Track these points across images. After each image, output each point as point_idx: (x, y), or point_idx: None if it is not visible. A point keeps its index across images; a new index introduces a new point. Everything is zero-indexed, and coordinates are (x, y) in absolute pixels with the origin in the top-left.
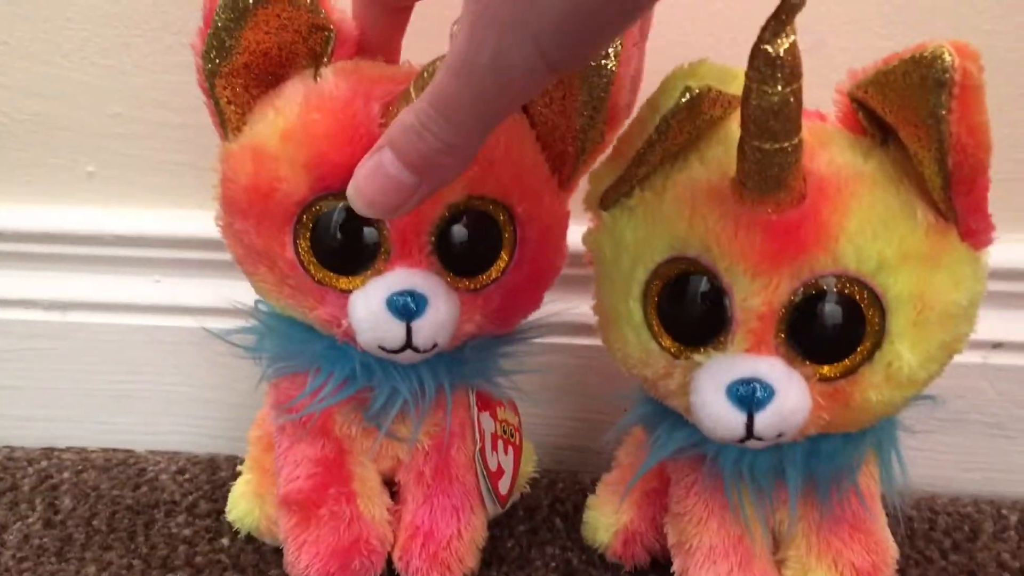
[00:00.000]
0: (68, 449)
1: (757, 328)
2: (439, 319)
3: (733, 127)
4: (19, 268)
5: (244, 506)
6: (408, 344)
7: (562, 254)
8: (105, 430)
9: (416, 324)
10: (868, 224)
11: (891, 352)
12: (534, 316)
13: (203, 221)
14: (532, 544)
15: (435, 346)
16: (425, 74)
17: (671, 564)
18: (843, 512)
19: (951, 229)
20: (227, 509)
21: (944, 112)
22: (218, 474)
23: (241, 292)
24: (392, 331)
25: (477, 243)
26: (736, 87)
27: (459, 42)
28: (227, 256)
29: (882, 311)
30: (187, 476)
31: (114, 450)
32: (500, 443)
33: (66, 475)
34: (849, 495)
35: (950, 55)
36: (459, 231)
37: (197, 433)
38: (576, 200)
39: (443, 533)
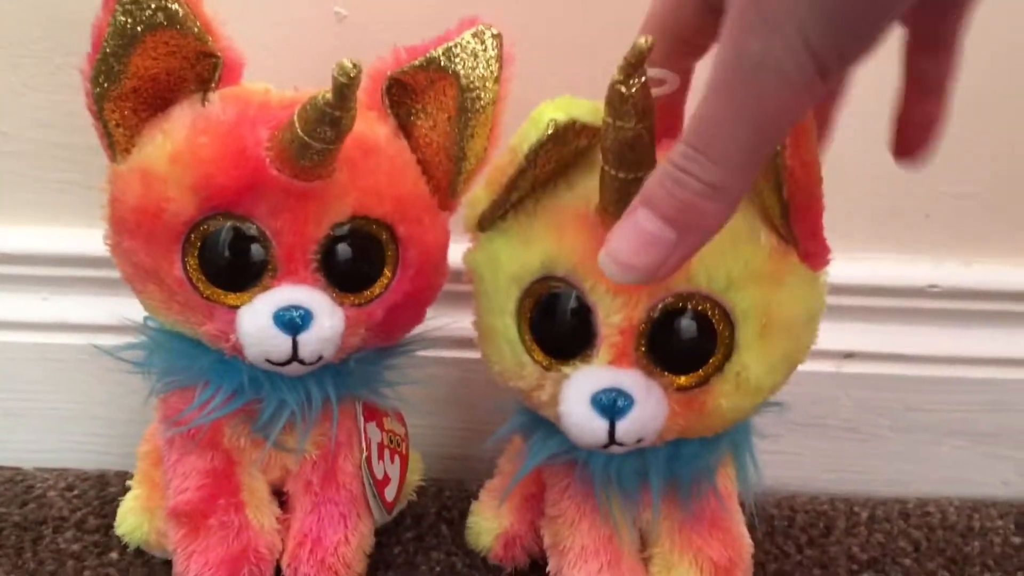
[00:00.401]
0: None
1: (619, 342)
2: (324, 333)
3: (597, 157)
4: None
5: (133, 520)
6: (294, 357)
7: (443, 271)
8: None
9: (302, 338)
10: (718, 247)
11: (739, 363)
12: (418, 330)
13: (90, 239)
14: (418, 550)
15: (321, 359)
16: (308, 105)
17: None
18: (703, 511)
19: (791, 252)
20: (116, 524)
21: (780, 148)
22: (107, 490)
23: (129, 309)
24: (279, 345)
25: (361, 261)
26: (599, 120)
27: (719, 57)
28: (115, 274)
29: (731, 325)
30: (76, 492)
31: (1, 468)
32: (386, 452)
33: None
34: (708, 495)
35: None
36: (344, 249)
37: (86, 450)
38: (457, 220)
39: (330, 540)
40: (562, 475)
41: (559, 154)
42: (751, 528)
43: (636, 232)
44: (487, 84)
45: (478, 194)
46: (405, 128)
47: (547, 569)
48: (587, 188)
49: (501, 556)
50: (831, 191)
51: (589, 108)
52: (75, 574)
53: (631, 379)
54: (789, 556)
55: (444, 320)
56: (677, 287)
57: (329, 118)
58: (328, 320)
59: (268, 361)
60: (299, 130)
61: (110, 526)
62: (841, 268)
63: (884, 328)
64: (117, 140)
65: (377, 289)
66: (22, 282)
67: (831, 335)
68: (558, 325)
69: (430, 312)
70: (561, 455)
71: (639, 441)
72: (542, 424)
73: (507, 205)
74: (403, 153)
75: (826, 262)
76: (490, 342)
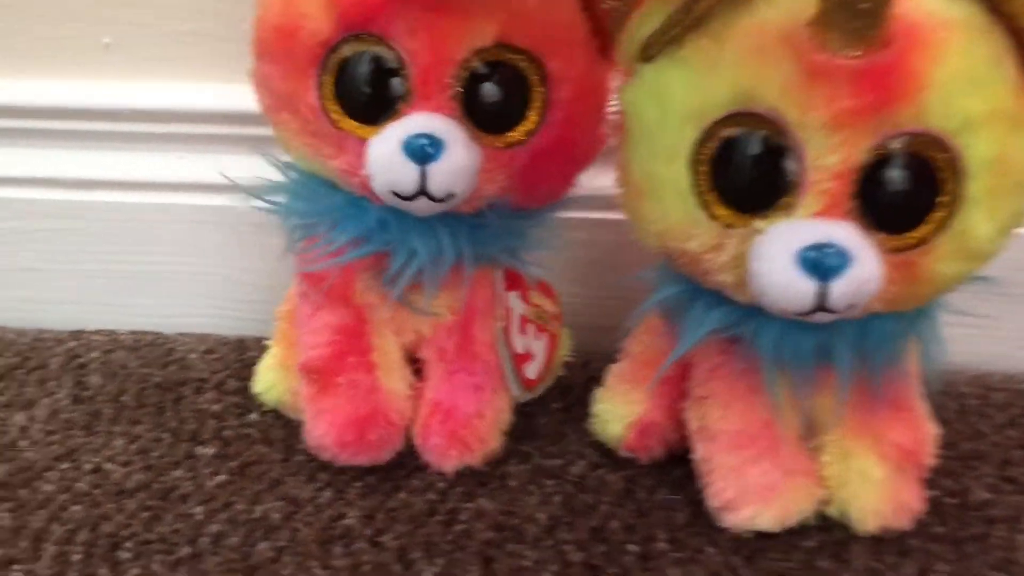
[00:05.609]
0: (98, 332)
1: (832, 189)
2: (455, 165)
3: None
4: (39, 146)
5: (270, 378)
6: (422, 190)
7: (600, 126)
8: (133, 312)
9: (431, 168)
10: (958, 76)
11: (965, 221)
12: None
13: (225, 94)
14: (566, 420)
15: (452, 196)
16: None
17: (687, 457)
18: (886, 392)
19: None
20: (253, 381)
21: None
22: (247, 354)
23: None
24: (406, 174)
25: (504, 97)
26: None
27: None
28: (252, 131)
29: (959, 176)
30: (216, 356)
31: (143, 332)
32: (531, 327)
33: (95, 355)
34: (893, 375)
35: None
36: (485, 84)
37: (226, 316)
38: None
39: (463, 411)
40: (715, 352)
41: None
42: (940, 408)
43: None
44: None
45: (646, 11)
46: None
47: (689, 460)
48: (795, 1)
49: (635, 446)
50: None
51: None
52: (215, 433)
53: (845, 232)
54: (985, 436)
55: (593, 177)
56: (906, 124)
57: None
58: (461, 151)
59: (394, 194)
60: None
61: (249, 388)
62: None
63: None
64: None
65: (520, 133)
66: (155, 140)
67: None
68: (748, 172)
69: None
70: (724, 330)
71: (849, 308)
72: (701, 296)
73: (686, 23)
74: None
75: None
76: (650, 197)
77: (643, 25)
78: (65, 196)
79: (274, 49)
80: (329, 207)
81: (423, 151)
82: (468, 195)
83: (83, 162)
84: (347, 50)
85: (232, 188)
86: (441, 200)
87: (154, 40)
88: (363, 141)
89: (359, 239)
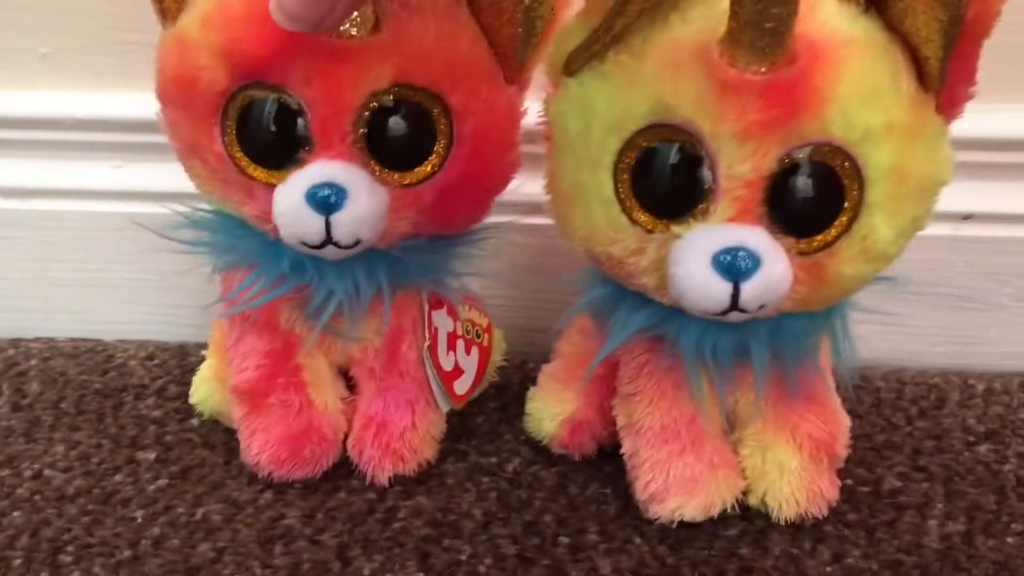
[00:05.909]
0: (36, 339)
1: (743, 196)
2: (359, 214)
3: None
4: None
5: (206, 389)
6: (329, 239)
7: (510, 154)
8: (73, 320)
9: (335, 218)
10: (858, 91)
11: (867, 225)
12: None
13: None
14: (502, 420)
15: (359, 242)
16: None
17: (618, 453)
18: (800, 387)
19: (928, 101)
20: (191, 393)
21: None
22: (188, 360)
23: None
24: (311, 225)
25: (406, 135)
26: None
27: None
28: None
29: (861, 183)
30: (156, 362)
31: (83, 339)
32: (460, 343)
33: (33, 362)
34: (808, 370)
35: None
36: (386, 121)
37: (166, 322)
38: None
39: (396, 425)
40: (640, 350)
41: None
42: (856, 402)
43: None
44: None
45: (569, 27)
46: None
47: (621, 451)
48: (708, 19)
49: (567, 443)
50: None
51: None
52: (156, 438)
53: (756, 237)
54: (898, 428)
55: (524, 183)
56: (810, 135)
57: None
58: (365, 199)
59: (303, 244)
60: None
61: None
62: (961, 120)
63: (1007, 186)
64: (167, 6)
65: (427, 168)
66: (94, 149)
67: (947, 194)
68: (667, 179)
69: None
70: (649, 330)
71: (761, 308)
72: (626, 297)
73: (608, 38)
74: (458, 14)
75: (961, 113)
76: (576, 205)
77: (566, 40)
78: (2, 205)
79: (175, 99)
80: (247, 249)
81: (326, 202)
82: (378, 236)
83: (21, 171)
84: (248, 96)
85: (169, 197)
86: (349, 247)
87: (93, 49)
88: (271, 188)
89: (276, 281)
